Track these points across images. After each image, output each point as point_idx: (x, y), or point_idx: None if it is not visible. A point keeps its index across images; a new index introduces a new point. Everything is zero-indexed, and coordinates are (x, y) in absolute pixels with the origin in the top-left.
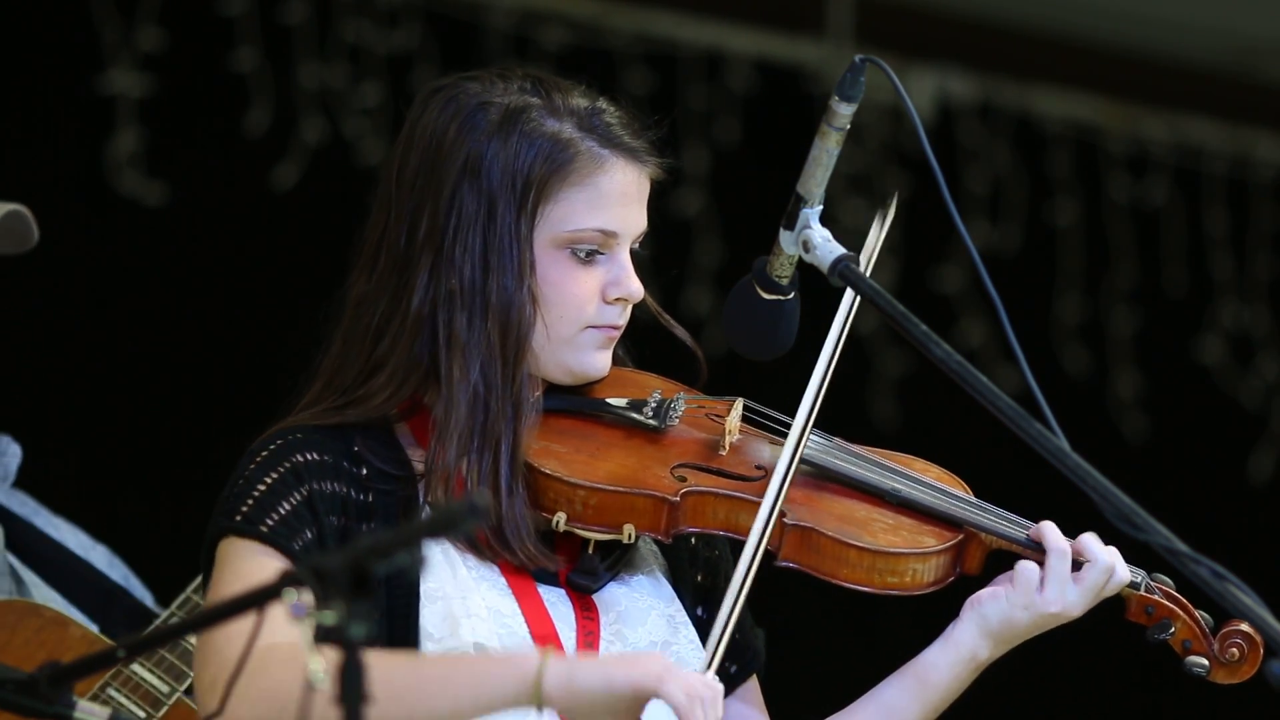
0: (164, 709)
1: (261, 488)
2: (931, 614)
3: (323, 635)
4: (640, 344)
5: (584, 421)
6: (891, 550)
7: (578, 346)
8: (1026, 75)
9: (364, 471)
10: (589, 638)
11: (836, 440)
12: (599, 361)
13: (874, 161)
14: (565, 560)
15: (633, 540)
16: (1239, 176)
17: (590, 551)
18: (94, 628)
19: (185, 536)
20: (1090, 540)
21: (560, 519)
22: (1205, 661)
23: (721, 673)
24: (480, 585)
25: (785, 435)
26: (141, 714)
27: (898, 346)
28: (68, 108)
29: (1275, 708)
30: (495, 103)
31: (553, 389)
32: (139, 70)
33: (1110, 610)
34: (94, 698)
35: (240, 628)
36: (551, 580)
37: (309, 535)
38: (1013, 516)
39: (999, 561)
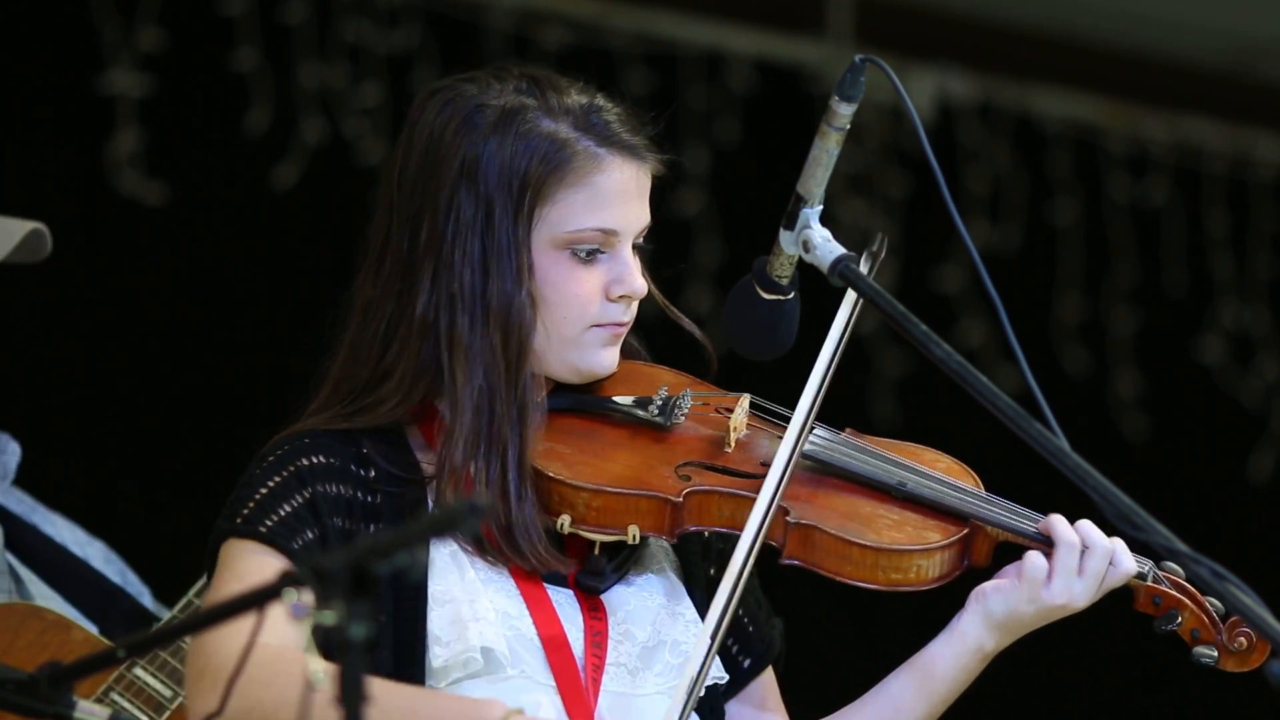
0: (166, 713)
1: (264, 491)
2: (938, 606)
3: (323, 636)
4: (649, 337)
5: (590, 420)
6: (894, 547)
7: (583, 345)
8: (1026, 75)
9: (371, 474)
10: (597, 638)
11: (844, 434)
12: (606, 359)
13: (874, 161)
14: (573, 561)
15: (637, 541)
16: (1239, 176)
17: (597, 552)
18: (94, 629)
19: (185, 536)
20: (1089, 528)
21: (565, 521)
22: (1214, 651)
23: (734, 666)
24: (489, 588)
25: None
26: (144, 718)
27: (898, 346)
28: (68, 108)
29: (1275, 708)
30: (491, 105)
31: (560, 387)
32: (139, 70)
33: (1114, 610)
34: (96, 701)
35: (238, 627)
36: (560, 581)
37: (310, 536)
38: (1020, 509)
39: (1007, 550)
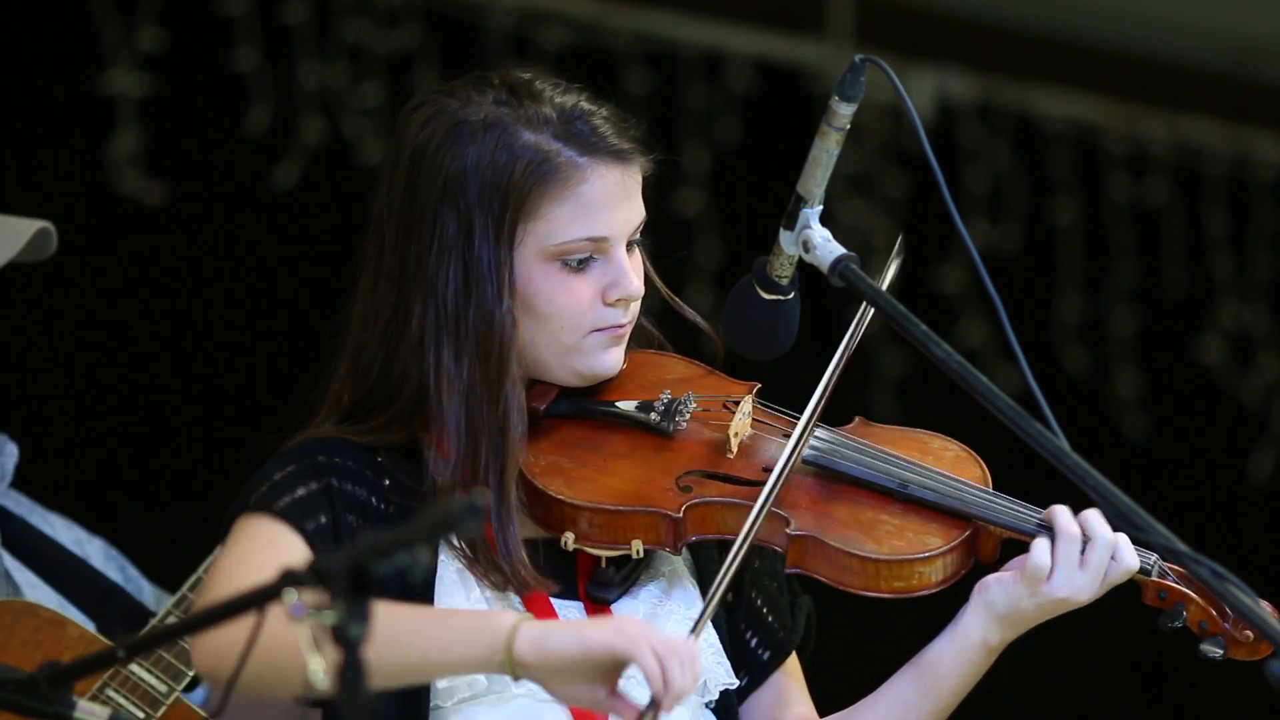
0: (162, 709)
1: (280, 475)
2: (946, 602)
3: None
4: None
5: (592, 428)
6: (895, 558)
7: (585, 352)
8: (1026, 75)
9: (387, 483)
10: None
11: (853, 423)
12: (609, 361)
13: (874, 161)
14: (583, 572)
15: (641, 555)
16: (1239, 176)
17: (604, 565)
18: (91, 626)
19: (185, 537)
20: (1093, 519)
21: (568, 539)
22: (1221, 645)
23: (753, 660)
24: (494, 606)
25: (795, 425)
26: (140, 714)
27: (898, 346)
28: (68, 108)
29: (1276, 708)
30: (471, 120)
31: (565, 392)
32: (139, 70)
33: (1114, 611)
34: (93, 698)
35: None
36: (570, 594)
37: (323, 520)
38: (1024, 505)
39: (1016, 543)
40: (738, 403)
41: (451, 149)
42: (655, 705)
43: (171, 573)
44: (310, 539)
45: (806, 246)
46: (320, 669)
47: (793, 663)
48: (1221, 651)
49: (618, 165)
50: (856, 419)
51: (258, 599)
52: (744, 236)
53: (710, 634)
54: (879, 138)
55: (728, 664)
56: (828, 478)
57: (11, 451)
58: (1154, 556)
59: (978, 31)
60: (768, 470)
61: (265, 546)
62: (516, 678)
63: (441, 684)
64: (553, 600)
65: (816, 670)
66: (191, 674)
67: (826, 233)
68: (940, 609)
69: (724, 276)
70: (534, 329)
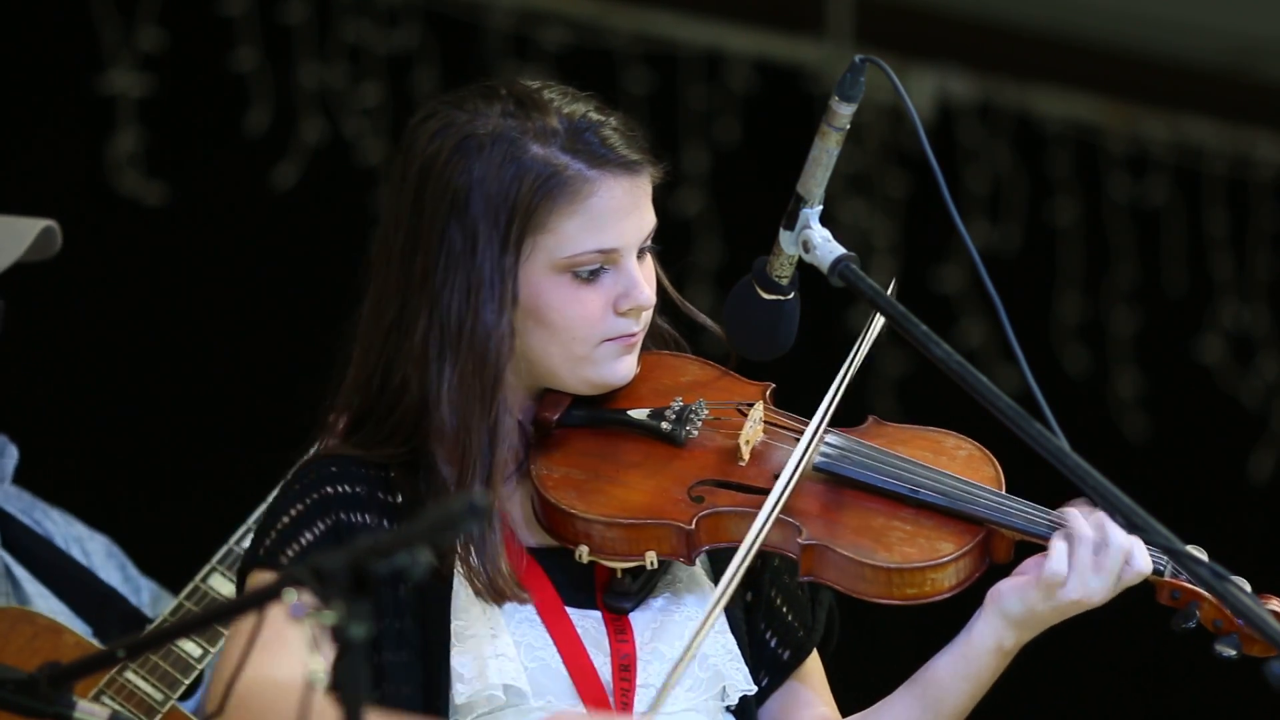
0: (157, 717)
1: (287, 519)
2: (971, 603)
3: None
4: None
5: (605, 437)
6: (907, 566)
7: (597, 361)
8: (1026, 75)
9: (398, 499)
10: (624, 661)
11: (867, 422)
12: (621, 370)
13: (874, 161)
14: (600, 581)
15: (656, 565)
16: (1239, 176)
17: (620, 575)
18: (88, 631)
19: (185, 535)
20: (1106, 522)
21: (583, 551)
22: (1235, 643)
23: (773, 660)
24: (510, 620)
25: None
26: None
27: (898, 346)
28: (68, 108)
29: (1276, 708)
30: (478, 134)
31: (578, 401)
32: (139, 70)
33: (1115, 611)
34: None
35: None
36: (588, 603)
37: None
38: (1037, 507)
39: (1029, 544)
40: (750, 406)
41: (460, 163)
42: None
43: (171, 572)
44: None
45: (806, 246)
46: (320, 669)
47: (814, 661)
48: (1236, 650)
49: (627, 176)
50: (870, 418)
51: (257, 599)
52: (744, 236)
53: (729, 640)
54: (879, 138)
55: (745, 670)
56: (838, 484)
57: (12, 453)
58: (1166, 558)
59: (978, 31)
60: (779, 477)
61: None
62: None
63: (459, 700)
64: (570, 610)
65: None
66: (188, 682)
67: (826, 233)
68: (941, 612)
69: (724, 276)
70: (545, 340)
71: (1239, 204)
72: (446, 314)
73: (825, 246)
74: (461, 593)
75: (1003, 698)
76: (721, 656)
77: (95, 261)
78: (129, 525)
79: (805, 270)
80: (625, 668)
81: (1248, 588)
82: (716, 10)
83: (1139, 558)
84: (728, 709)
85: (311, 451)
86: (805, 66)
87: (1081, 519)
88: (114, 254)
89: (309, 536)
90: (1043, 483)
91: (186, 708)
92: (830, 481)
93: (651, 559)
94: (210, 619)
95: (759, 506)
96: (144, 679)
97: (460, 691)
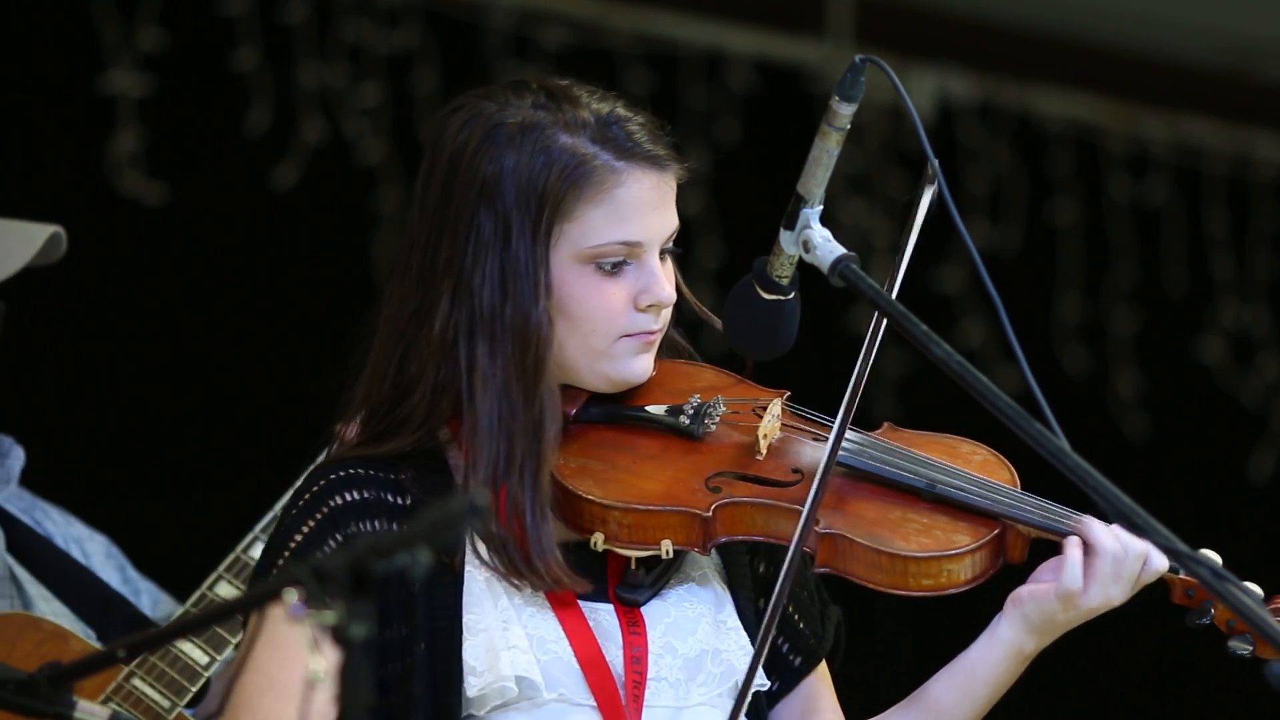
0: None
1: (298, 538)
2: (979, 606)
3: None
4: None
5: (622, 432)
6: (923, 555)
7: (615, 356)
8: (1026, 75)
9: (408, 502)
10: (636, 654)
11: (881, 429)
12: (638, 367)
13: (874, 161)
14: (587, 581)
15: (671, 555)
16: (1239, 176)
17: (634, 566)
18: (92, 635)
19: (185, 536)
20: (1121, 532)
21: (598, 539)
22: (1249, 642)
23: (784, 666)
24: (522, 613)
25: (826, 429)
26: None
27: (898, 346)
28: (68, 108)
29: (1276, 708)
30: (509, 122)
31: (595, 397)
32: (139, 70)
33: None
34: None
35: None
36: (600, 596)
37: None
38: (1053, 505)
39: (1045, 544)
40: (765, 408)
41: (489, 151)
42: None
43: (171, 573)
44: None
45: (807, 246)
46: (320, 668)
47: (823, 670)
48: (1250, 648)
49: (653, 171)
50: (885, 424)
51: (258, 599)
52: (744, 236)
53: (741, 636)
54: (879, 138)
55: (764, 664)
56: (856, 478)
57: (18, 455)
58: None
59: (978, 31)
60: (797, 472)
61: (284, 629)
62: None
63: (473, 692)
64: (583, 603)
65: (858, 669)
66: (194, 689)
67: (826, 233)
68: (978, 612)
69: (724, 276)
70: (565, 332)
71: (1239, 204)
72: (479, 300)
73: (825, 246)
74: (473, 585)
75: (1005, 698)
76: (735, 652)
77: (95, 261)
78: (129, 525)
79: (805, 270)
80: (637, 660)
81: (1260, 593)
82: (716, 10)
83: (1155, 557)
84: None
85: (320, 458)
86: (805, 66)
87: (1103, 529)
88: (114, 254)
89: (320, 556)
90: (1034, 485)
91: (193, 715)
92: (848, 476)
93: (667, 548)
94: (211, 619)
95: (777, 499)
96: (151, 686)
97: (472, 684)
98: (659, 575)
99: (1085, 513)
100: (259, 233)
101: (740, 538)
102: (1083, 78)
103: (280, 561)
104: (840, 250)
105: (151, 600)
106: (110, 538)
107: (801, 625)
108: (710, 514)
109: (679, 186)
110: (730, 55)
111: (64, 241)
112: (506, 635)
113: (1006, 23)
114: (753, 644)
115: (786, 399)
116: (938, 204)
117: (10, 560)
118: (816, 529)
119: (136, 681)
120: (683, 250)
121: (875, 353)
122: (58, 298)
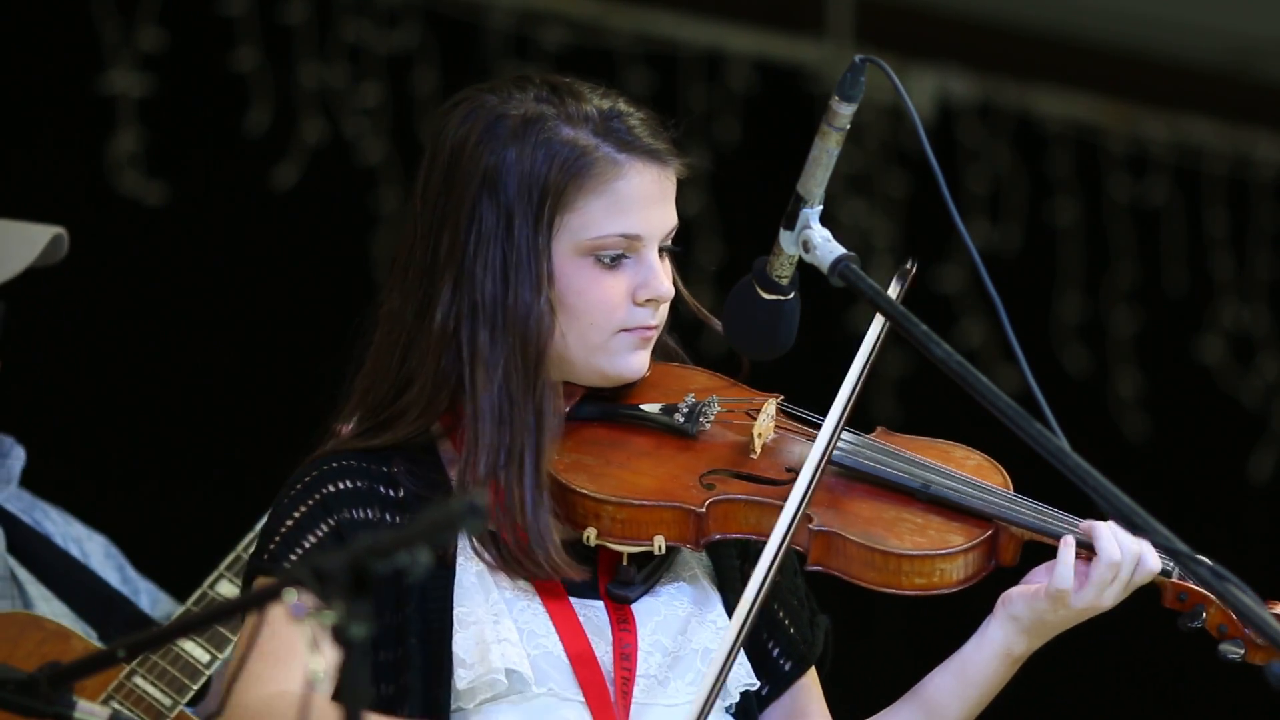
0: None
1: (289, 523)
2: (972, 607)
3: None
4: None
5: (616, 429)
6: (916, 553)
7: (611, 351)
8: (1026, 75)
9: (400, 494)
10: (625, 650)
11: (874, 433)
12: (635, 363)
13: (874, 161)
14: (587, 569)
15: (664, 551)
16: (1239, 176)
17: (625, 563)
18: (93, 635)
19: (185, 536)
20: (1117, 531)
21: (591, 534)
22: (1240, 646)
23: (774, 670)
24: (513, 606)
25: (820, 431)
26: None
27: (898, 346)
28: (68, 108)
29: (1276, 708)
30: (511, 115)
31: (590, 395)
32: (139, 70)
33: (1117, 611)
34: None
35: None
36: (590, 593)
37: None
38: (1046, 508)
39: (1037, 548)
40: (759, 410)
41: (491, 143)
42: None
43: (171, 573)
44: None
45: (806, 246)
46: (320, 668)
47: (812, 676)
48: (1241, 653)
49: (654, 165)
50: (878, 429)
51: (258, 599)
52: (744, 236)
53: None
54: (879, 138)
55: (748, 665)
56: (851, 477)
57: (19, 455)
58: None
59: (978, 31)
60: (791, 470)
61: (277, 615)
62: None
63: (462, 685)
64: (574, 599)
65: (853, 670)
66: (196, 688)
67: (826, 233)
68: (971, 612)
69: (724, 276)
70: (563, 325)
71: (1239, 204)
72: (480, 289)
73: (825, 246)
74: (465, 579)
75: (1004, 699)
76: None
77: (95, 261)
78: (129, 525)
79: (805, 270)
80: (626, 656)
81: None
82: (716, 10)
83: (1149, 558)
84: (727, 709)
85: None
86: (805, 66)
87: (1108, 534)
88: (114, 254)
89: (312, 539)
90: (1033, 485)
91: (195, 713)
92: (843, 475)
93: (660, 543)
94: (211, 619)
95: (770, 496)
96: (152, 684)
97: (462, 676)
98: (650, 573)
99: (1081, 515)
100: (259, 233)
101: (733, 535)
102: (1083, 78)
103: (272, 546)
104: (840, 250)
105: (150, 600)
106: (110, 538)
107: (792, 630)
108: (704, 510)
109: (679, 186)
110: (730, 55)
111: (65, 243)
112: (497, 628)
113: (1006, 23)
114: (744, 647)
115: (781, 401)
116: (938, 204)
117: (11, 560)
118: (810, 526)
119: (138, 680)
120: (683, 250)
121: (875, 353)
122: (58, 298)
